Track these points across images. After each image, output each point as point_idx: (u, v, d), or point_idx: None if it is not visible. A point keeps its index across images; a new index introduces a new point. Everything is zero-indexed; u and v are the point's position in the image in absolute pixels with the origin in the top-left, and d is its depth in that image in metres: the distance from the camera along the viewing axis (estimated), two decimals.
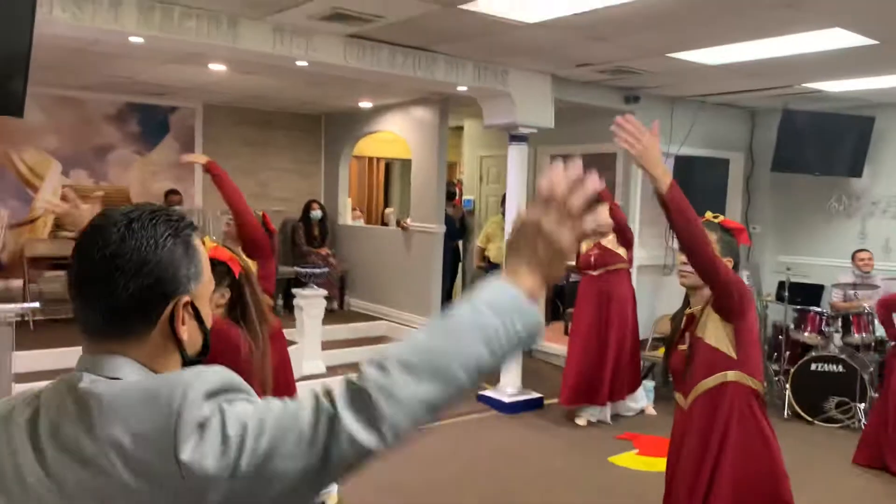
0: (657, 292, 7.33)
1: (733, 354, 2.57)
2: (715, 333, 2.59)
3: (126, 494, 0.94)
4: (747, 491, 2.57)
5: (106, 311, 1.05)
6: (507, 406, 6.25)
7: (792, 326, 6.45)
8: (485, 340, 0.97)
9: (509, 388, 6.39)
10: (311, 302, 6.57)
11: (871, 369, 6.07)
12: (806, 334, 6.34)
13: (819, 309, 6.47)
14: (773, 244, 8.07)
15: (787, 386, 6.14)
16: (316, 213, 8.78)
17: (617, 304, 5.94)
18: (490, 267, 8.25)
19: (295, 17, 4.63)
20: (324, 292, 6.67)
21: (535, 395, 6.46)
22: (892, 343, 5.30)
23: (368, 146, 10.36)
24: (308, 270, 6.67)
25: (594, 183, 1.03)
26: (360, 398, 0.94)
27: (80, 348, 1.10)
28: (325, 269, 6.84)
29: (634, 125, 2.29)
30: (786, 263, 7.02)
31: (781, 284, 6.66)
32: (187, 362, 1.11)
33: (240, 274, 2.43)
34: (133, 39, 4.53)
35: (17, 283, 7.64)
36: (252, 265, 4.03)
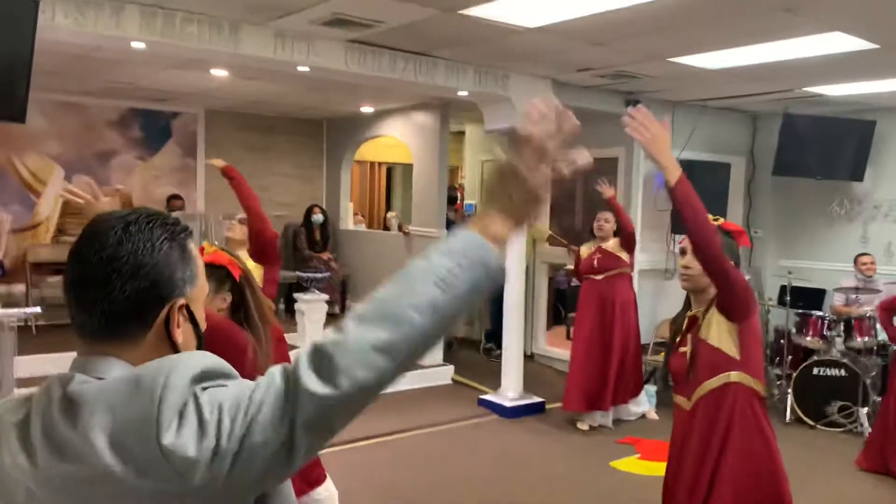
0: (658, 297, 7.33)
1: (736, 355, 2.58)
2: (719, 334, 2.59)
3: (112, 483, 0.96)
4: (748, 491, 2.57)
5: (102, 314, 1.06)
6: (509, 410, 6.25)
7: (794, 331, 6.44)
8: (436, 282, 0.97)
9: (510, 392, 6.39)
10: (312, 306, 6.58)
11: (874, 373, 6.06)
12: (808, 338, 6.33)
13: (821, 313, 6.47)
14: (774, 248, 8.07)
15: (789, 390, 6.13)
16: (317, 218, 8.80)
17: (620, 308, 5.94)
18: None
19: (296, 22, 4.65)
20: (325, 297, 6.68)
21: (537, 399, 6.46)
22: (895, 346, 5.30)
23: (370, 151, 10.38)
24: (310, 275, 6.68)
25: (572, 121, 1.03)
26: (318, 356, 0.96)
27: None
28: (327, 274, 6.85)
29: (644, 115, 2.35)
30: (787, 267, 7.01)
31: (783, 289, 6.66)
32: None
33: (240, 277, 2.44)
34: (135, 45, 4.55)
35: (19, 287, 7.66)
36: (258, 269, 4.07)
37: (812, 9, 4.10)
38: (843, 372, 5.94)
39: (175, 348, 1.10)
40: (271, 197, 9.30)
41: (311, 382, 0.94)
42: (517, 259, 6.44)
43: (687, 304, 2.79)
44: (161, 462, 0.93)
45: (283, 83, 6.89)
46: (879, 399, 5.88)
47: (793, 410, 6.09)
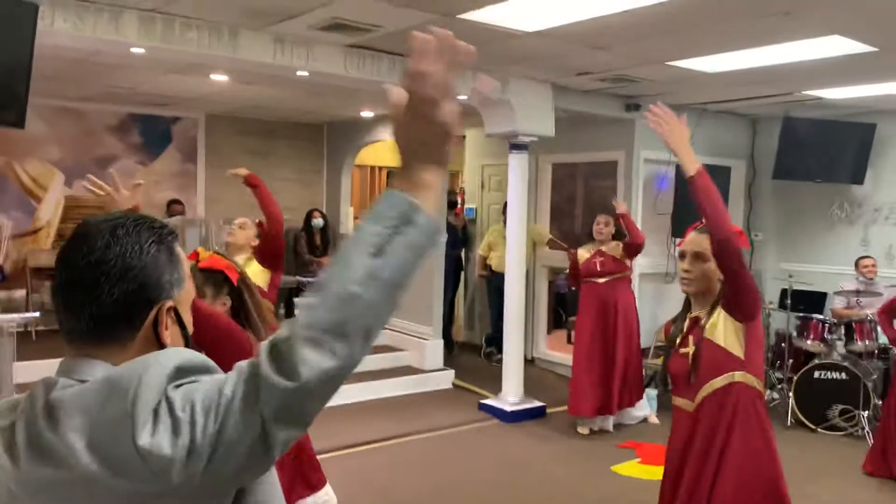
0: (659, 300, 7.32)
1: (741, 355, 2.59)
2: (725, 334, 2.59)
3: (90, 485, 0.96)
4: (749, 490, 2.57)
5: (91, 317, 1.07)
6: (509, 415, 6.24)
7: (795, 334, 6.43)
8: (370, 251, 0.95)
9: (511, 396, 6.38)
10: None
11: (875, 377, 6.04)
12: (809, 342, 6.32)
13: (822, 316, 6.45)
14: (775, 252, 8.06)
15: (791, 394, 6.12)
16: (318, 222, 8.79)
17: (622, 311, 5.94)
18: (492, 275, 8.25)
19: (295, 27, 4.65)
20: None
21: (538, 403, 6.45)
22: None
23: (370, 155, 10.38)
24: (310, 279, 6.68)
25: (465, 48, 0.98)
26: (275, 351, 0.95)
27: None
28: None
29: (664, 110, 2.52)
30: (788, 271, 7.01)
31: (784, 292, 6.64)
32: None
33: (238, 280, 2.45)
34: (134, 50, 4.55)
35: (19, 293, 7.65)
36: (265, 274, 4.11)
37: (809, 13, 4.10)
38: (844, 375, 5.92)
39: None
40: None
41: (273, 377, 0.93)
42: (517, 263, 6.44)
43: (686, 307, 2.79)
44: (137, 462, 0.93)
45: (283, 88, 6.90)
46: (881, 402, 5.87)
47: (794, 414, 6.08)
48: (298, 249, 8.76)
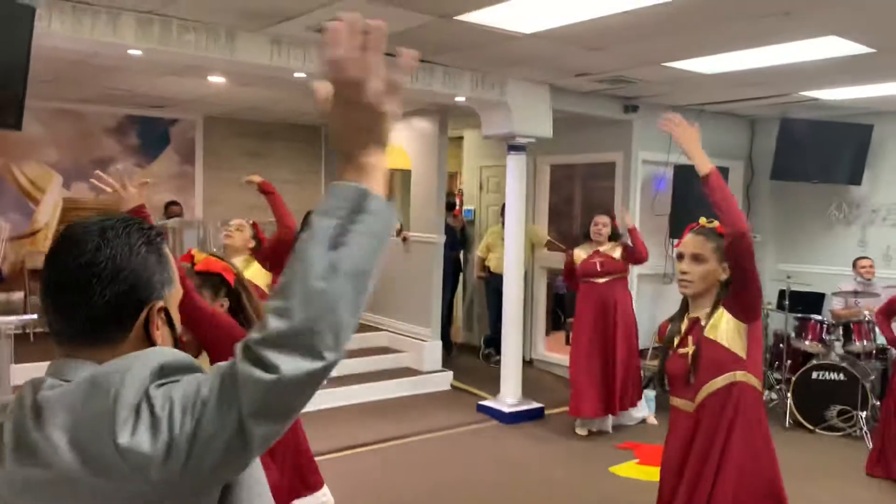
0: (657, 301, 7.32)
1: (743, 355, 2.60)
2: (728, 334, 2.60)
3: (72, 484, 0.96)
4: (749, 490, 2.57)
5: (82, 319, 1.07)
6: (508, 416, 6.24)
7: (793, 335, 6.44)
8: (327, 245, 0.94)
9: (509, 398, 6.38)
10: None
11: (873, 377, 6.05)
12: (807, 343, 6.32)
13: (820, 317, 6.46)
14: (773, 252, 8.06)
15: (789, 394, 6.12)
16: None
17: (621, 312, 5.94)
18: (491, 277, 8.25)
19: (292, 28, 4.65)
20: None
21: (536, 405, 6.44)
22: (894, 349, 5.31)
23: None
24: None
25: (374, 25, 0.98)
26: (250, 348, 0.94)
27: None
28: None
29: (677, 117, 2.76)
30: (786, 272, 7.01)
31: (782, 293, 6.64)
32: None
33: (235, 282, 2.45)
34: (132, 52, 4.55)
35: (17, 295, 7.65)
36: (265, 275, 4.14)
37: (806, 14, 4.10)
38: (842, 376, 5.93)
39: None
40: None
41: (249, 371, 0.93)
42: (516, 264, 6.44)
43: (683, 308, 2.79)
44: (117, 460, 0.93)
45: (280, 89, 6.89)
46: (879, 403, 5.88)
47: (792, 415, 6.08)
48: None
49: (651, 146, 7.26)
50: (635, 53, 5.15)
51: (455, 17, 4.31)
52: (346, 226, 0.96)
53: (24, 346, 5.44)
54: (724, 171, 7.60)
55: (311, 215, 0.98)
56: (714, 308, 2.65)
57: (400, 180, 10.99)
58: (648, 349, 6.89)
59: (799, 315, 6.47)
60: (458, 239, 8.91)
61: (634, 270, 6.54)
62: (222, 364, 0.97)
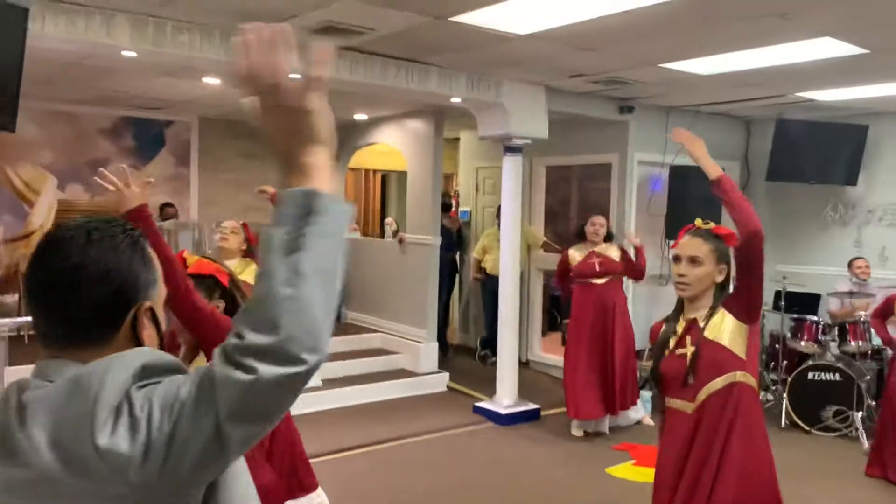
0: (653, 302, 7.32)
1: (744, 356, 2.61)
2: (731, 335, 2.61)
3: (52, 484, 0.97)
4: (748, 490, 2.57)
5: (70, 321, 1.08)
6: (504, 417, 6.23)
7: (789, 335, 6.44)
8: (285, 252, 0.95)
9: (506, 399, 6.37)
10: None
11: (868, 377, 6.06)
12: (803, 343, 6.33)
13: (816, 318, 6.46)
14: (769, 253, 7.94)
15: (785, 395, 6.12)
16: None
17: (619, 312, 5.95)
18: (487, 278, 8.24)
19: None
20: None
21: (532, 406, 6.44)
22: (892, 351, 5.31)
23: (364, 158, 10.37)
24: None
25: (274, 28, 0.98)
26: (227, 353, 0.94)
27: None
28: None
29: (683, 131, 2.92)
30: (782, 272, 7.01)
31: (778, 294, 6.66)
32: None
33: (228, 282, 2.44)
34: (126, 53, 4.54)
35: (11, 297, 7.62)
36: None
37: (801, 15, 4.11)
38: (837, 376, 5.93)
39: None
40: (265, 204, 9.24)
41: (228, 372, 0.93)
42: (512, 266, 6.43)
43: (678, 309, 2.78)
44: (96, 461, 0.93)
45: None
46: (874, 403, 5.89)
47: (788, 415, 6.08)
48: None
49: (647, 147, 7.27)
50: (631, 54, 5.15)
51: (450, 18, 4.31)
52: (298, 230, 0.96)
53: (19, 348, 5.42)
54: None
55: (264, 229, 0.98)
56: (713, 309, 2.65)
57: (396, 182, 10.97)
58: (645, 350, 6.89)
59: (795, 316, 6.48)
60: (455, 240, 8.91)
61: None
62: (202, 367, 0.98)
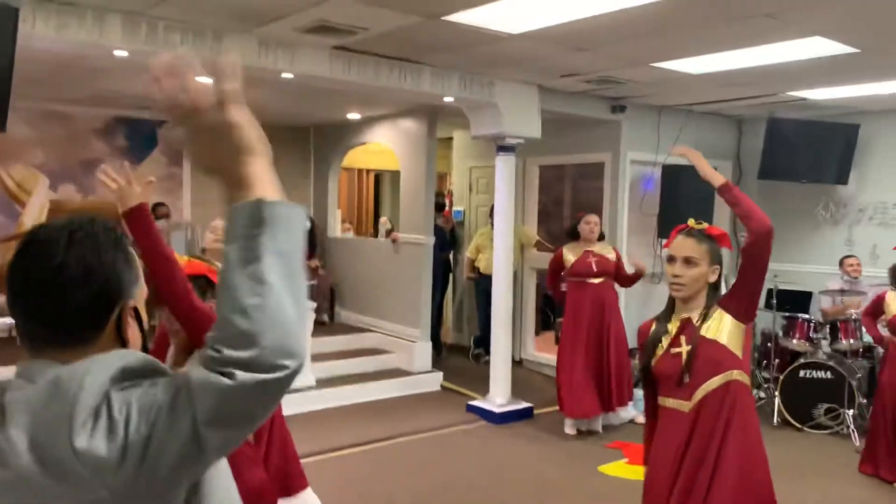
0: (646, 301, 7.33)
1: (740, 354, 2.63)
2: (730, 334, 2.63)
3: (31, 486, 0.97)
4: (744, 488, 2.58)
5: (55, 321, 1.08)
6: (497, 416, 6.24)
7: (781, 334, 6.47)
8: (240, 266, 0.95)
9: (499, 398, 6.38)
10: None
11: (860, 375, 6.09)
12: (794, 341, 6.35)
13: (807, 316, 6.49)
14: None
15: (777, 393, 6.15)
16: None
17: (614, 312, 5.96)
18: (480, 277, 8.25)
19: (280, 29, 4.64)
20: (313, 304, 6.65)
21: (525, 404, 6.45)
22: (883, 350, 5.34)
23: (358, 158, 10.36)
24: None
25: (175, 59, 0.99)
26: (203, 359, 0.95)
27: None
28: (314, 282, 6.82)
29: (681, 147, 3.10)
30: (774, 271, 7.00)
31: (769, 292, 6.67)
32: None
33: None
34: (118, 53, 4.52)
35: (2, 298, 7.59)
36: None
37: (791, 14, 4.13)
38: (829, 374, 5.96)
39: (125, 349, 1.12)
40: None
41: (206, 377, 0.93)
42: (505, 265, 6.44)
43: (670, 308, 2.79)
44: (74, 463, 0.93)
45: (268, 90, 6.86)
46: (865, 401, 5.92)
47: (780, 413, 6.11)
48: None
49: (639, 146, 7.29)
50: (623, 54, 5.16)
51: (443, 18, 4.31)
52: (251, 241, 0.96)
53: (10, 348, 5.40)
54: None
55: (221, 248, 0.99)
56: (708, 308, 2.66)
57: (389, 181, 10.97)
58: (636, 349, 6.90)
59: (787, 314, 6.51)
60: (448, 240, 8.91)
61: (624, 270, 6.54)
62: (181, 370, 0.98)
